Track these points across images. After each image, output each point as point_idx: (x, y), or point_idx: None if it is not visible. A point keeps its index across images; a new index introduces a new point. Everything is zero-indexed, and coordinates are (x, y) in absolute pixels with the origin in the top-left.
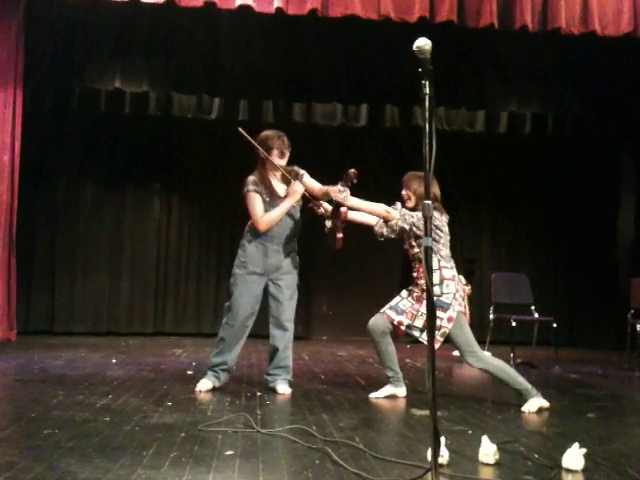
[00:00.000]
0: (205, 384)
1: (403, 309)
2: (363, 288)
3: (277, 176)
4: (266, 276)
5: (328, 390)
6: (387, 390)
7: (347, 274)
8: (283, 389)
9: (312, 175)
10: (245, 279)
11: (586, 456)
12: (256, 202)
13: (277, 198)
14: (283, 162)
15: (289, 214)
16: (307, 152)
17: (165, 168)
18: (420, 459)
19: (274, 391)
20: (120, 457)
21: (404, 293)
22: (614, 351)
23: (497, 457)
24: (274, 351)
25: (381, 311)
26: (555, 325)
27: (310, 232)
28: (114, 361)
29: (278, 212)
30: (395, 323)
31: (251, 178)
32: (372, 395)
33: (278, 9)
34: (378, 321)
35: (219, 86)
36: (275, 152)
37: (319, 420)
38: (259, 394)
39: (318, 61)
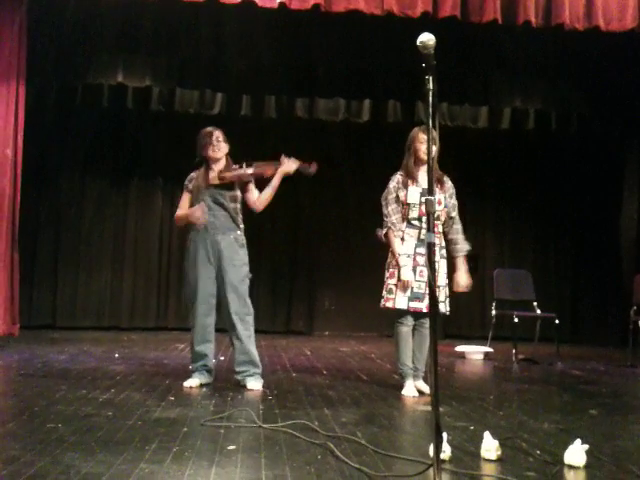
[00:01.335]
0: (193, 381)
1: (423, 292)
2: (366, 284)
3: (217, 169)
4: (214, 268)
5: (330, 385)
6: (415, 384)
7: (350, 269)
8: (252, 385)
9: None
10: (194, 275)
11: (588, 452)
12: (182, 198)
13: (206, 189)
14: (218, 155)
15: (218, 202)
16: (310, 147)
17: (168, 163)
18: (422, 455)
19: (244, 387)
20: (123, 451)
21: (410, 275)
22: (617, 348)
23: (499, 453)
24: (234, 345)
25: (402, 307)
26: (557, 321)
27: (312, 231)
28: (117, 356)
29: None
30: (425, 310)
31: (191, 174)
32: (409, 393)
33: (281, 4)
34: (408, 321)
35: (222, 81)
36: (209, 148)
37: (321, 415)
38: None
39: (321, 56)
